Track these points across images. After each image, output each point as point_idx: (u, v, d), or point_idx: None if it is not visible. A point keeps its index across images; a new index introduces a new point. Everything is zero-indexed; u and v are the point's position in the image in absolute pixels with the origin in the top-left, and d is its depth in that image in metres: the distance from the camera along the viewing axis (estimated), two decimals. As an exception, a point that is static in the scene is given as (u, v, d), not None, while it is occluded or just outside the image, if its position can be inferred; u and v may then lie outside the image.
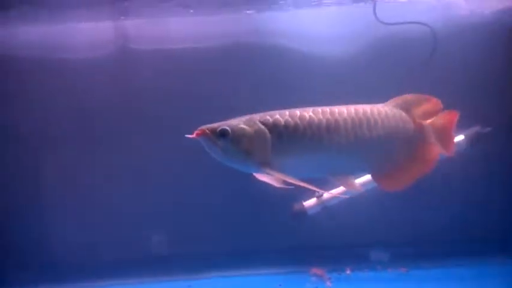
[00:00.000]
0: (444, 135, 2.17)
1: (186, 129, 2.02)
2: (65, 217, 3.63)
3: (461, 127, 3.14)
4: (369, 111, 2.09)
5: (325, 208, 3.19)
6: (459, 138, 3.11)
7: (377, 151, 2.08)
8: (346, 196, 3.06)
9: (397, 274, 3.35)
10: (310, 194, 3.23)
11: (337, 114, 2.04)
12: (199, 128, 1.98)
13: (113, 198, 3.59)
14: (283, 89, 3.39)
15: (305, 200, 3.26)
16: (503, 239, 3.48)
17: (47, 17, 3.45)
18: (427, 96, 2.18)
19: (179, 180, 3.54)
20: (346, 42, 3.46)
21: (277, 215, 3.37)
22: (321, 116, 2.02)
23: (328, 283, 3.23)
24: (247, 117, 2.03)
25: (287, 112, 2.04)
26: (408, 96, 2.17)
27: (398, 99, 2.18)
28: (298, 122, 2.00)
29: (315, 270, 3.39)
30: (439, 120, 2.17)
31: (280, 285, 3.25)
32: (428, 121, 2.17)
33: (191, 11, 3.43)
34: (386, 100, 2.17)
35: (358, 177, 2.18)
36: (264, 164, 1.99)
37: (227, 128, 1.97)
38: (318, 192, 3.15)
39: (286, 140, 1.99)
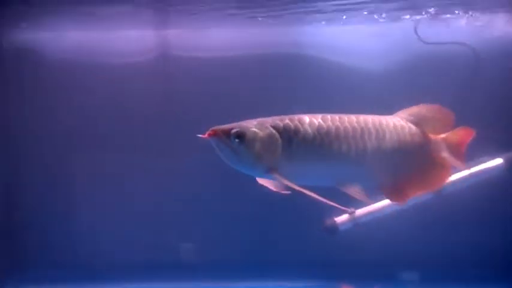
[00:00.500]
0: (456, 152, 2.11)
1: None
2: (94, 218, 3.69)
3: (500, 150, 3.14)
4: (377, 121, 2.05)
5: (357, 225, 3.18)
6: (497, 161, 3.06)
7: (384, 162, 2.03)
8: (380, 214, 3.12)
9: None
10: (341, 209, 3.21)
11: (346, 123, 2.00)
12: (212, 129, 1.94)
13: (143, 201, 3.64)
14: (319, 100, 3.39)
15: (337, 216, 3.25)
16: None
17: (93, 24, 3.55)
18: (438, 107, 2.12)
19: (210, 186, 3.56)
20: (384, 57, 3.46)
21: (309, 228, 3.36)
22: (330, 123, 1.98)
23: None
24: (258, 120, 2.00)
25: (296, 117, 2.00)
26: (418, 108, 2.13)
27: (408, 111, 2.13)
28: (308, 128, 1.96)
29: (345, 286, 3.36)
30: (453, 135, 2.11)
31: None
32: (442, 135, 2.12)
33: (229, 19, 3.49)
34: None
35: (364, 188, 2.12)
36: (273, 169, 1.95)
37: (242, 130, 1.94)
38: (350, 208, 3.15)
39: (296, 145, 1.95)
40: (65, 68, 3.62)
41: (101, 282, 3.60)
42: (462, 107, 2.21)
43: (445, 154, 2.10)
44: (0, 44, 3.61)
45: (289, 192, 2.02)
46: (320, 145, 1.96)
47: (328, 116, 2.01)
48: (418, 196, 2.15)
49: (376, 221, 3.13)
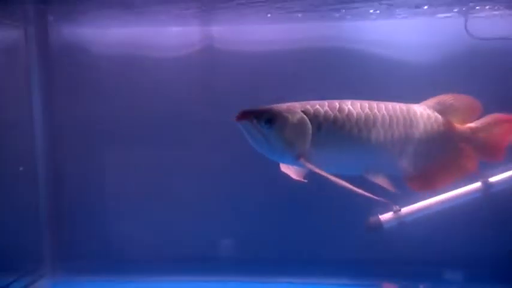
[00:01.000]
0: (494, 143, 2.06)
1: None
2: (132, 213, 3.74)
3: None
4: (405, 109, 2.00)
5: (402, 223, 3.14)
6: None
7: (411, 151, 1.99)
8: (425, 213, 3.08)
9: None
10: (387, 207, 3.19)
11: (375, 110, 1.96)
12: (242, 111, 1.87)
13: (180, 197, 3.67)
14: (364, 94, 3.36)
15: (381, 213, 3.22)
16: None
17: (139, 21, 3.58)
18: (465, 97, 2.08)
19: (250, 182, 3.56)
20: (432, 51, 3.39)
21: (352, 226, 3.33)
22: (359, 110, 1.94)
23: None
24: (287, 104, 1.93)
25: (326, 103, 1.94)
26: (444, 97, 2.08)
27: (434, 100, 2.08)
28: (338, 114, 1.91)
29: (387, 285, 3.33)
30: (481, 125, 2.06)
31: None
32: (469, 125, 2.07)
33: (268, 15, 3.46)
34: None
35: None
36: (302, 156, 1.89)
37: (273, 114, 1.87)
38: (396, 206, 3.11)
39: (325, 131, 1.90)
40: (109, 63, 3.67)
41: (140, 275, 3.67)
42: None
43: (470, 145, 2.05)
44: (46, 40, 3.66)
45: (306, 180, 1.99)
46: (349, 132, 1.91)
47: (358, 103, 1.96)
48: (441, 186, 2.09)
49: (422, 220, 3.09)
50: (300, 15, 3.36)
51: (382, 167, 1.98)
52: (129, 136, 3.69)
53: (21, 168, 3.61)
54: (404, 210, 3.11)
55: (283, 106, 1.93)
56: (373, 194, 1.86)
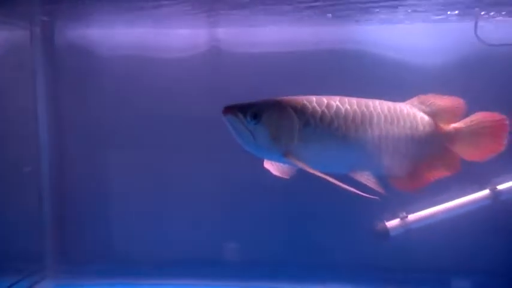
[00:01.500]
0: (480, 142, 2.03)
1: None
2: (136, 216, 3.71)
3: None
4: (392, 107, 1.98)
5: (409, 230, 3.11)
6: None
7: (397, 149, 1.96)
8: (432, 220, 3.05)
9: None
10: (393, 213, 3.17)
11: (363, 107, 1.93)
12: (227, 106, 1.84)
13: (186, 199, 3.64)
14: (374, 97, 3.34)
15: (388, 220, 3.19)
16: None
17: (145, 22, 3.56)
18: (449, 97, 2.07)
19: (257, 185, 3.47)
20: (441, 55, 3.37)
21: (359, 232, 3.31)
22: (348, 107, 1.90)
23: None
24: (275, 99, 1.90)
25: (314, 99, 1.91)
26: (428, 97, 2.06)
27: (418, 99, 2.07)
28: (326, 110, 1.88)
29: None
30: (467, 124, 2.04)
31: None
32: (454, 125, 2.04)
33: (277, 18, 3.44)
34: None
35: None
36: (289, 153, 1.86)
37: (260, 109, 1.84)
38: (403, 213, 3.09)
39: (313, 128, 1.87)
40: (115, 64, 3.65)
41: (144, 278, 3.65)
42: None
43: (455, 144, 2.03)
44: (52, 41, 3.64)
45: (288, 177, 1.98)
46: (337, 129, 1.88)
47: (346, 100, 1.93)
48: (424, 186, 2.06)
49: (429, 227, 3.07)
50: (310, 17, 3.33)
51: (368, 165, 1.96)
52: (134, 138, 3.67)
53: (26, 169, 3.60)
54: (412, 217, 3.09)
55: (270, 101, 1.89)
56: (363, 192, 1.84)
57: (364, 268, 3.48)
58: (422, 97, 2.08)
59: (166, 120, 3.60)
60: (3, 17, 3.37)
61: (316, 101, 1.90)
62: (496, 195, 3.09)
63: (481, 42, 3.18)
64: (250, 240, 3.61)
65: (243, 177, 3.56)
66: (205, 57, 3.59)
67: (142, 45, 3.61)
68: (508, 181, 3.11)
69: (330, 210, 3.37)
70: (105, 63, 3.62)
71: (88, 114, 3.65)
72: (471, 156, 2.05)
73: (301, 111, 1.86)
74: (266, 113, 1.83)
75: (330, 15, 3.23)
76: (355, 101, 1.94)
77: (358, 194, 1.82)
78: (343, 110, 1.90)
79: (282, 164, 2.05)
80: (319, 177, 1.81)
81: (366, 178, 1.93)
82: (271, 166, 2.05)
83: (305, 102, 1.89)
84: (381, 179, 1.98)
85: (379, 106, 1.97)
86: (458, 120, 2.08)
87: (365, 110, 1.93)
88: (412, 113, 2.02)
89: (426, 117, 2.04)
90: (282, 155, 1.87)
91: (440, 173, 2.04)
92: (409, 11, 3.10)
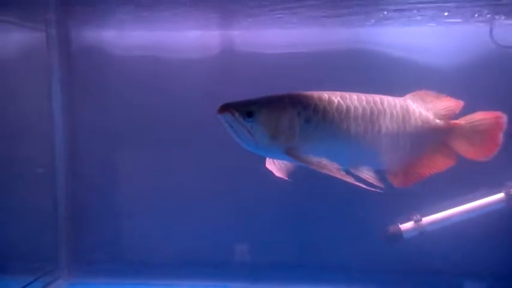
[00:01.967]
0: (480, 140, 2.02)
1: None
2: (149, 217, 3.73)
3: None
4: (392, 103, 1.96)
5: (423, 233, 3.09)
6: None
7: (397, 145, 1.95)
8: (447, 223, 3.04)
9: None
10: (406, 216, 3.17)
11: (364, 102, 1.90)
12: (222, 105, 1.78)
13: (198, 201, 3.64)
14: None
15: (402, 223, 3.18)
16: None
17: (159, 24, 3.57)
18: (444, 95, 2.07)
19: (267, 187, 3.49)
20: (455, 56, 3.36)
21: (370, 234, 3.30)
22: (349, 103, 1.87)
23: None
24: (274, 96, 1.86)
25: (315, 94, 1.86)
26: (426, 93, 2.05)
27: (416, 95, 2.05)
28: (327, 106, 1.84)
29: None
30: (467, 122, 2.03)
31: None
32: (454, 121, 2.03)
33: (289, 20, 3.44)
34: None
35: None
36: (290, 150, 1.81)
37: (254, 106, 1.78)
38: (417, 215, 3.08)
39: (315, 124, 1.82)
40: (129, 66, 3.65)
41: (156, 278, 3.67)
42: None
43: (453, 141, 2.03)
44: (67, 43, 3.66)
45: (290, 179, 1.94)
46: (339, 125, 1.85)
47: (347, 95, 1.90)
48: (418, 181, 2.04)
49: (443, 230, 3.06)
50: (323, 18, 3.33)
51: (367, 161, 1.93)
52: (147, 139, 3.68)
53: (40, 171, 3.62)
54: (426, 219, 3.08)
55: (268, 98, 1.85)
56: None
57: (375, 270, 3.49)
58: (422, 93, 2.06)
59: (180, 121, 3.61)
60: (20, 19, 3.40)
61: (318, 97, 1.86)
62: (510, 198, 3.07)
63: (495, 44, 3.18)
64: (260, 242, 3.61)
65: (254, 178, 3.54)
66: (218, 59, 3.60)
67: (157, 46, 3.63)
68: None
69: (340, 212, 3.38)
70: (120, 64, 3.64)
71: (102, 116, 3.67)
72: (469, 153, 2.04)
73: (302, 108, 1.82)
74: (263, 111, 1.78)
75: (337, 17, 3.24)
76: (356, 97, 1.91)
77: (361, 187, 1.80)
78: (344, 106, 1.86)
79: (284, 165, 2.02)
80: (322, 173, 1.78)
81: (366, 174, 1.90)
82: (274, 167, 2.01)
83: (306, 98, 1.85)
84: (380, 174, 1.96)
85: (379, 101, 1.94)
86: (454, 118, 2.07)
87: (366, 105, 1.90)
88: (412, 108, 2.00)
89: (425, 113, 2.02)
90: (283, 153, 1.82)
91: (434, 169, 2.03)
92: (422, 13, 3.09)
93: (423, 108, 2.04)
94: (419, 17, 3.18)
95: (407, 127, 1.97)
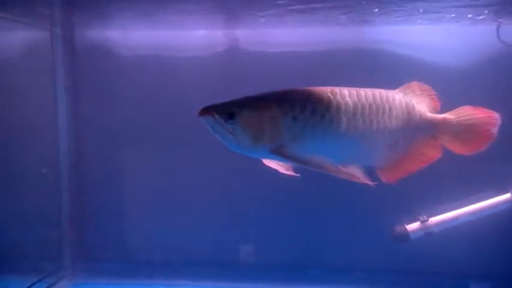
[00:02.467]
0: (467, 135, 1.98)
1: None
2: (153, 217, 3.72)
3: None
4: (385, 97, 1.90)
5: (430, 234, 3.07)
6: None
7: (389, 140, 1.90)
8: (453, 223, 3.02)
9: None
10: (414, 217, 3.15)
11: (355, 98, 1.83)
12: (203, 108, 1.74)
13: (202, 201, 3.63)
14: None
15: (408, 223, 3.15)
16: None
17: (164, 24, 3.56)
18: (428, 87, 2.02)
19: (272, 187, 3.44)
20: (462, 55, 3.35)
21: (376, 235, 3.29)
22: (340, 99, 1.80)
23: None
24: (258, 96, 1.80)
25: (304, 92, 1.81)
26: (417, 85, 2.00)
27: (408, 88, 2.00)
28: (316, 104, 1.77)
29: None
30: (454, 116, 1.99)
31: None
32: (444, 115, 2.00)
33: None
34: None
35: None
36: (275, 149, 1.75)
37: (235, 108, 1.73)
38: (423, 216, 3.06)
39: (303, 122, 1.76)
40: (134, 66, 3.65)
41: (161, 278, 3.66)
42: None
43: (442, 135, 1.99)
44: (72, 42, 3.66)
45: (298, 174, 1.89)
46: (329, 122, 1.79)
47: (337, 90, 1.83)
48: (406, 175, 1.99)
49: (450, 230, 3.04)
50: (329, 17, 3.31)
51: (358, 158, 1.88)
52: (151, 138, 3.67)
53: (44, 171, 3.62)
54: (432, 220, 3.06)
55: (249, 98, 1.79)
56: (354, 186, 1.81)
57: (379, 271, 3.47)
58: (414, 85, 2.01)
59: (184, 121, 3.59)
60: (25, 17, 3.39)
61: (306, 94, 1.80)
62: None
63: (502, 43, 3.17)
64: (264, 242, 3.61)
65: (258, 179, 3.53)
66: (222, 58, 3.59)
67: (162, 46, 3.62)
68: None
69: (344, 212, 3.37)
70: (124, 64, 3.64)
71: (107, 115, 3.66)
72: (457, 148, 2.01)
73: (289, 107, 1.76)
74: (244, 112, 1.73)
75: (344, 16, 3.23)
76: (347, 92, 1.84)
77: (358, 181, 1.77)
78: (335, 103, 1.80)
79: (279, 161, 1.95)
80: (313, 171, 1.74)
81: (357, 172, 1.85)
82: (273, 164, 1.95)
83: (293, 96, 1.79)
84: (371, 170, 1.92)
85: (371, 96, 1.88)
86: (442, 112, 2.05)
87: (357, 100, 1.83)
88: (404, 101, 1.95)
89: (417, 106, 1.98)
90: (269, 152, 1.77)
91: (422, 163, 1.99)
92: (429, 11, 3.08)
93: (415, 101, 1.99)
94: (425, 16, 3.16)
95: (400, 121, 1.92)
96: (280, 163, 1.94)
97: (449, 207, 3.11)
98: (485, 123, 1.98)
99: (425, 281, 3.38)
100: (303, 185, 3.25)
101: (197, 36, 3.63)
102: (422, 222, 3.08)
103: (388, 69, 3.34)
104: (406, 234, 3.11)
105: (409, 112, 1.95)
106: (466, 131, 1.99)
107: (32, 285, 3.47)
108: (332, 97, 1.80)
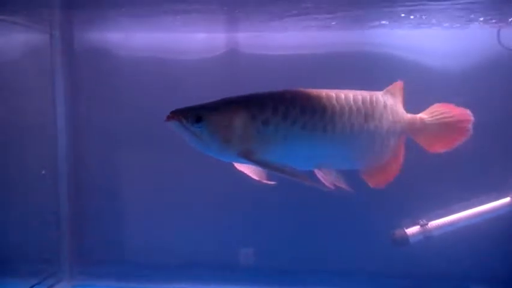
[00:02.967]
0: (441, 133, 1.98)
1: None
2: (152, 219, 3.71)
3: None
4: (364, 99, 1.86)
5: (429, 238, 3.06)
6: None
7: (370, 143, 1.86)
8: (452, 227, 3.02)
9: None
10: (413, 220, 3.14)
11: (334, 100, 1.79)
12: (171, 112, 1.76)
13: (201, 203, 3.62)
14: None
15: (407, 227, 3.15)
16: None
17: (164, 26, 3.55)
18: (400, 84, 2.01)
19: (274, 190, 3.51)
20: (462, 59, 3.35)
21: (375, 239, 3.28)
22: (316, 102, 1.76)
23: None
24: (227, 100, 1.79)
25: (276, 94, 1.78)
26: (396, 87, 1.99)
27: (389, 89, 1.98)
28: (290, 107, 1.73)
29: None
30: (429, 114, 1.99)
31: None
32: (420, 115, 1.99)
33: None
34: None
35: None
36: (245, 153, 1.73)
37: (201, 112, 1.73)
38: (423, 220, 3.06)
39: (274, 126, 1.73)
40: (133, 68, 3.64)
41: (160, 281, 3.66)
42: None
43: (414, 134, 1.99)
44: (71, 44, 3.66)
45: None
46: (303, 127, 1.75)
47: (315, 93, 1.80)
48: (391, 178, 1.96)
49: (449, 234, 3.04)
50: (334, 23, 3.31)
51: (337, 162, 1.85)
52: (150, 140, 3.65)
53: (43, 172, 3.62)
54: (432, 224, 3.06)
55: (219, 102, 1.78)
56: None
57: (380, 275, 3.46)
58: (394, 86, 2.00)
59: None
60: (24, 20, 3.39)
61: (279, 97, 1.76)
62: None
63: (502, 47, 3.17)
64: (264, 245, 3.60)
65: (258, 182, 3.55)
66: (222, 61, 3.58)
67: (161, 48, 3.61)
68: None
69: (345, 216, 3.36)
70: (124, 66, 3.63)
71: (106, 117, 3.66)
72: (432, 146, 2.00)
73: (257, 110, 1.74)
74: (212, 115, 1.73)
75: (341, 20, 3.23)
76: (324, 94, 1.80)
77: (323, 188, 1.74)
78: (310, 106, 1.76)
79: (250, 165, 1.92)
80: (287, 175, 1.71)
81: (333, 176, 1.82)
82: (243, 167, 1.94)
83: (264, 99, 1.76)
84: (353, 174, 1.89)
85: (351, 98, 1.84)
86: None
87: (335, 103, 1.79)
88: (384, 102, 1.92)
89: (396, 107, 1.96)
90: (238, 156, 1.76)
91: (400, 163, 1.97)
92: (430, 15, 3.08)
93: (393, 102, 1.96)
94: (426, 20, 3.17)
95: (382, 124, 1.89)
96: (252, 168, 1.91)
97: (449, 211, 3.11)
98: (461, 120, 1.97)
99: (424, 285, 3.38)
100: (303, 188, 3.25)
101: (197, 39, 3.63)
102: (421, 226, 3.08)
103: (388, 73, 3.30)
104: (405, 238, 3.11)
105: (389, 114, 1.92)
106: (442, 129, 1.99)
107: (31, 287, 3.47)
108: (307, 100, 1.77)
